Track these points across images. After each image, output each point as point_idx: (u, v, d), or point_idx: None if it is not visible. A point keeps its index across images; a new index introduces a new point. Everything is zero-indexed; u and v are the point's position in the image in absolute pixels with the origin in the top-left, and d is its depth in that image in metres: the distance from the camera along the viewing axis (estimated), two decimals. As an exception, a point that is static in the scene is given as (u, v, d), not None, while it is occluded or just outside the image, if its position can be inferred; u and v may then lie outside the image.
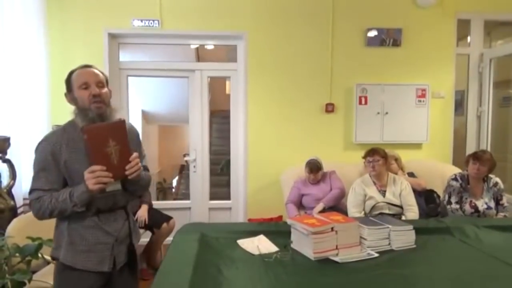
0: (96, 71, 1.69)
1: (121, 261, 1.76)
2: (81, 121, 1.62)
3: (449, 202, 3.21)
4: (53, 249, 1.72)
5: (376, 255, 1.97)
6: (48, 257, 2.30)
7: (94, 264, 1.66)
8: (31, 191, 1.64)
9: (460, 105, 4.67)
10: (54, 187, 1.62)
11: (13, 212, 2.72)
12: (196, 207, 4.45)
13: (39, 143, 1.65)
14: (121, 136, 1.59)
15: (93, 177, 1.53)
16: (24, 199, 3.20)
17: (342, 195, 3.55)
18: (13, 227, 2.34)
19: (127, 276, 1.81)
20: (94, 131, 1.52)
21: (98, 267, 1.67)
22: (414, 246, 2.12)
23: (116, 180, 1.62)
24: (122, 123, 1.61)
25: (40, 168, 1.62)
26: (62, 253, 1.66)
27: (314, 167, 3.57)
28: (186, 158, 4.62)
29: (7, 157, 2.76)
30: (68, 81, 1.68)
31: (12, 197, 2.78)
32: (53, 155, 1.60)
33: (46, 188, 1.61)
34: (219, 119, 7.12)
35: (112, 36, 4.08)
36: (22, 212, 3.04)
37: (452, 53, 4.33)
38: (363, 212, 3.22)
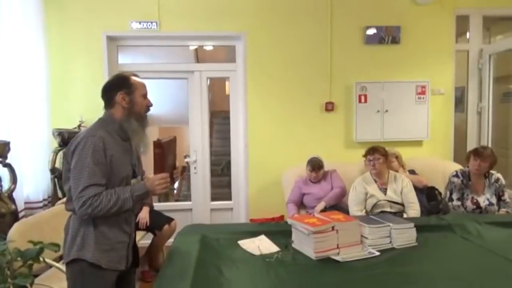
0: None
1: (130, 260, 1.85)
2: (136, 124, 1.78)
3: (451, 199, 3.20)
4: (75, 251, 1.70)
5: (378, 253, 1.97)
6: (49, 261, 2.30)
7: (114, 263, 1.73)
8: (86, 188, 1.61)
9: (460, 101, 4.66)
10: (105, 182, 1.67)
11: (14, 216, 2.72)
12: (198, 208, 4.45)
13: (85, 138, 1.66)
14: (173, 150, 1.80)
15: (165, 182, 1.73)
16: (25, 203, 3.21)
17: (343, 194, 3.55)
18: (14, 231, 2.34)
19: (132, 274, 1.92)
20: (165, 147, 1.69)
21: (118, 266, 1.74)
22: (416, 244, 2.12)
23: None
24: (175, 139, 1.82)
25: (93, 162, 1.63)
26: (89, 252, 1.68)
27: (316, 165, 3.57)
28: (186, 160, 4.61)
29: (7, 161, 2.76)
30: (129, 84, 1.78)
31: (13, 201, 2.79)
32: (104, 150, 1.66)
33: (103, 183, 1.65)
34: (219, 119, 7.10)
35: (111, 39, 4.08)
36: (23, 216, 3.04)
37: (451, 50, 4.32)
38: (364, 211, 3.21)
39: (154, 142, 1.58)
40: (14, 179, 2.80)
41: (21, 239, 2.21)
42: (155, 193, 1.76)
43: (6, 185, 2.81)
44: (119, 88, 1.77)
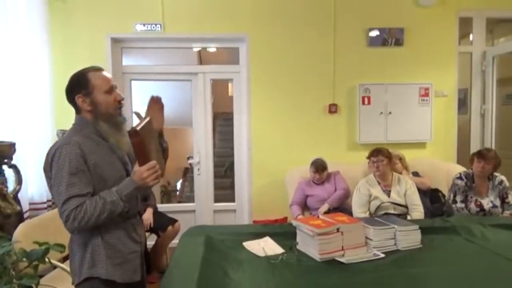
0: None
1: (145, 268, 1.75)
2: (106, 127, 1.58)
3: (454, 201, 3.20)
4: (86, 269, 1.56)
5: (382, 255, 1.97)
6: (55, 262, 2.32)
7: (129, 275, 1.61)
8: (66, 201, 1.45)
9: (463, 103, 4.66)
10: (89, 190, 1.50)
11: (20, 217, 2.73)
12: (201, 209, 4.45)
13: (60, 148, 1.49)
14: (153, 133, 1.65)
15: (154, 172, 1.50)
16: (30, 203, 3.22)
17: (347, 195, 3.55)
18: (20, 232, 2.35)
19: (144, 282, 1.78)
20: (142, 133, 1.48)
21: (133, 277, 1.63)
22: (420, 246, 2.11)
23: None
24: (151, 120, 1.62)
25: (71, 172, 1.46)
26: (102, 268, 1.55)
27: (319, 166, 3.57)
28: (190, 161, 4.63)
29: (12, 162, 2.78)
30: (86, 83, 1.56)
31: (18, 202, 2.80)
32: (83, 156, 1.49)
33: (84, 193, 1.48)
34: (222, 121, 7.12)
35: (115, 41, 4.10)
36: (28, 217, 3.06)
37: (454, 52, 4.32)
38: (368, 213, 3.21)
39: (129, 132, 1.36)
40: (19, 180, 2.82)
41: (26, 240, 2.22)
42: (147, 186, 1.52)
43: (11, 186, 2.82)
44: (77, 91, 1.56)
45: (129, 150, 1.64)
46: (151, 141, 1.58)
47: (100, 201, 1.47)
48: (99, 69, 1.62)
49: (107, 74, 1.63)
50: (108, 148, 1.60)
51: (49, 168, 1.51)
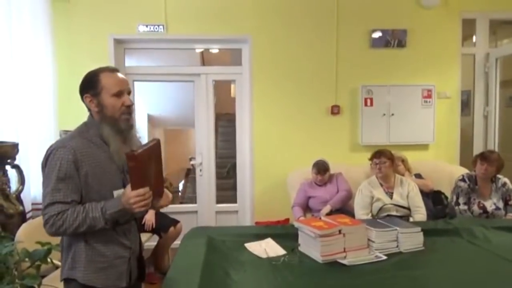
0: (125, 77, 1.59)
1: (135, 275, 1.68)
2: (109, 131, 1.52)
3: (457, 203, 3.19)
4: (66, 270, 1.54)
5: (385, 257, 1.97)
6: (57, 262, 2.32)
7: (113, 280, 1.56)
8: (48, 205, 1.43)
9: (466, 105, 4.65)
10: (75, 198, 1.46)
11: (22, 217, 2.74)
12: (203, 210, 4.45)
13: (55, 149, 1.46)
14: (158, 157, 1.55)
15: (142, 199, 1.41)
16: (33, 204, 3.23)
17: (349, 197, 3.54)
18: (22, 232, 2.36)
19: None
20: (141, 158, 1.40)
21: (117, 283, 1.57)
22: (423, 248, 2.11)
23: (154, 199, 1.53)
24: (158, 143, 1.54)
25: (59, 177, 1.43)
26: (80, 273, 1.51)
27: (321, 168, 3.57)
28: (192, 162, 4.63)
29: (15, 162, 2.79)
30: (95, 84, 1.51)
31: (20, 202, 2.81)
32: (75, 163, 1.44)
33: (68, 200, 1.44)
34: (225, 122, 7.13)
35: (118, 42, 4.11)
36: (31, 217, 3.07)
37: (457, 53, 4.31)
38: (370, 214, 3.20)
39: (127, 154, 1.29)
40: (22, 180, 2.83)
41: (28, 240, 2.23)
42: (132, 212, 1.44)
43: (14, 186, 2.83)
44: (86, 90, 1.53)
45: (119, 162, 1.58)
46: (151, 165, 1.49)
47: (82, 214, 1.43)
48: (114, 70, 1.57)
49: (121, 76, 1.57)
50: (107, 153, 1.54)
51: (43, 166, 1.50)
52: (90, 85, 1.53)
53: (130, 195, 1.41)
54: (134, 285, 1.67)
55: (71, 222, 1.43)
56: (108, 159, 1.53)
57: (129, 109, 1.55)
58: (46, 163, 1.47)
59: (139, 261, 1.71)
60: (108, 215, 1.44)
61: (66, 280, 1.56)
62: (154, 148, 1.51)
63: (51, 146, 1.50)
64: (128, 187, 1.43)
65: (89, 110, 1.57)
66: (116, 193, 1.52)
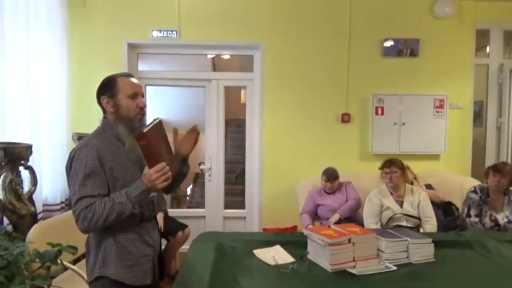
0: (139, 82, 1.72)
1: (157, 272, 1.75)
2: (123, 129, 1.63)
3: (468, 215, 3.15)
4: (98, 268, 1.61)
5: (394, 268, 1.94)
6: (67, 263, 2.34)
7: (139, 278, 1.63)
8: (78, 201, 1.52)
9: (478, 115, 4.60)
10: (102, 192, 1.54)
11: (34, 218, 2.76)
12: (211, 215, 4.46)
13: (78, 150, 1.57)
14: (164, 135, 1.65)
15: (162, 174, 1.50)
16: (44, 205, 3.27)
17: (358, 206, 3.52)
18: (33, 233, 2.38)
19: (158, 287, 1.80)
20: (150, 136, 1.50)
21: (143, 281, 1.64)
22: (433, 259, 2.08)
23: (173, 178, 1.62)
24: (161, 122, 1.63)
25: (86, 174, 1.53)
26: (112, 269, 1.59)
27: (331, 175, 3.55)
28: (201, 167, 4.64)
29: (29, 164, 2.82)
30: (113, 86, 1.63)
31: (32, 203, 2.84)
32: (99, 159, 1.55)
33: (95, 194, 1.53)
34: (233, 127, 7.14)
35: (131, 46, 4.16)
36: (42, 218, 3.10)
37: (470, 64, 4.28)
38: (379, 223, 3.18)
39: (136, 135, 1.39)
40: (34, 181, 2.86)
41: (39, 240, 2.25)
42: (156, 188, 1.53)
43: (26, 187, 2.87)
44: (103, 92, 1.65)
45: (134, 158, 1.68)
46: (160, 143, 1.59)
47: (109, 202, 1.51)
48: (128, 75, 1.70)
49: (135, 81, 1.69)
50: (125, 152, 1.65)
51: (68, 168, 1.59)
52: (107, 88, 1.65)
53: (150, 173, 1.50)
54: (156, 283, 1.75)
55: (101, 211, 1.50)
56: (126, 156, 1.64)
57: (142, 110, 1.67)
58: (71, 164, 1.58)
59: (159, 260, 1.78)
60: (134, 198, 1.52)
61: (97, 279, 1.61)
62: (159, 126, 1.61)
63: (74, 148, 1.62)
64: (146, 168, 1.52)
65: (104, 112, 1.69)
66: None
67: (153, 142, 1.51)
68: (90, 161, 1.54)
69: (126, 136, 1.64)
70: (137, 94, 1.65)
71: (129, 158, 1.65)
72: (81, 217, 1.51)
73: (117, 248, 1.60)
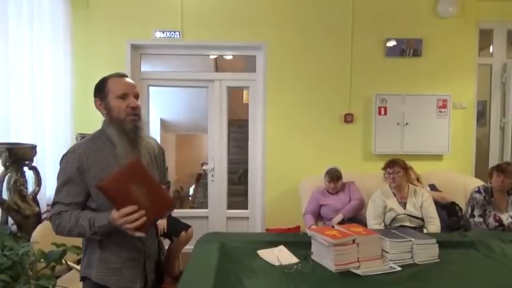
0: (133, 82, 1.66)
1: (152, 278, 1.71)
2: (114, 132, 1.58)
3: (472, 215, 3.14)
4: (83, 268, 1.62)
5: (399, 268, 1.94)
6: (72, 264, 2.35)
7: (127, 282, 1.60)
8: (52, 205, 1.58)
9: (481, 115, 4.58)
10: (75, 200, 1.54)
11: (38, 218, 2.78)
12: (214, 216, 4.46)
13: (65, 154, 1.58)
14: (142, 176, 1.49)
15: (131, 220, 1.42)
16: (48, 205, 3.28)
17: (361, 206, 3.52)
18: (38, 233, 2.39)
19: None
20: (110, 184, 1.42)
21: (131, 286, 1.61)
22: (438, 260, 2.07)
23: (153, 221, 1.57)
24: (136, 162, 1.50)
25: (63, 180, 1.54)
26: (94, 271, 1.57)
27: (334, 176, 3.55)
28: (204, 167, 4.65)
29: (33, 164, 2.83)
30: (103, 88, 1.59)
31: (37, 203, 2.85)
32: (79, 167, 1.53)
33: (67, 202, 1.53)
34: (236, 128, 7.14)
35: (134, 47, 4.17)
36: (45, 218, 3.11)
37: (473, 63, 4.27)
38: (382, 224, 3.17)
39: (95, 185, 1.47)
40: (38, 181, 2.87)
41: (44, 240, 2.26)
42: (125, 230, 1.45)
43: (30, 187, 2.88)
44: (95, 95, 1.62)
45: (153, 160, 1.69)
46: (131, 188, 1.44)
47: (74, 220, 1.51)
48: (121, 76, 1.63)
49: (128, 80, 1.63)
50: (116, 156, 1.58)
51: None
52: (99, 90, 1.62)
53: (114, 216, 1.44)
54: None
55: (65, 224, 1.52)
56: (117, 160, 1.57)
57: (134, 111, 1.58)
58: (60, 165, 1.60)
59: (157, 265, 1.74)
60: (97, 227, 1.49)
61: (82, 279, 1.65)
62: (129, 169, 1.47)
63: (68, 149, 1.62)
64: (114, 209, 1.46)
65: (102, 115, 1.66)
66: None
67: (116, 192, 1.42)
68: (69, 169, 1.54)
69: (117, 139, 1.58)
70: (128, 94, 1.58)
71: (118, 162, 1.57)
72: (51, 221, 1.56)
73: (101, 250, 1.58)
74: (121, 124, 1.58)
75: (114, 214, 1.44)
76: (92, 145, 1.59)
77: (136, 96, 1.62)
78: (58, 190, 1.56)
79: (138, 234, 1.46)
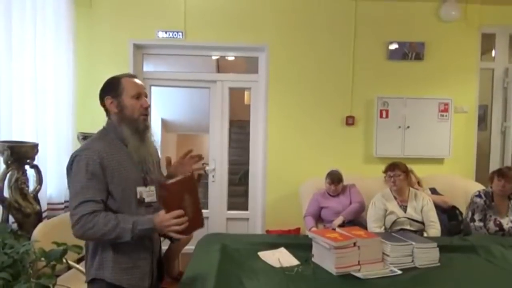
0: (142, 83, 1.72)
1: (156, 276, 1.74)
2: (127, 130, 1.62)
3: (473, 220, 3.14)
4: (94, 269, 1.61)
5: (400, 272, 1.94)
6: (72, 263, 2.34)
7: (136, 281, 1.62)
8: (80, 204, 1.50)
9: (482, 119, 4.59)
10: (103, 197, 1.54)
11: (39, 217, 2.78)
12: (214, 217, 4.46)
13: (81, 152, 1.57)
14: (193, 190, 1.62)
15: (176, 224, 1.50)
16: (49, 204, 3.28)
17: (362, 209, 3.52)
18: (39, 232, 2.39)
19: None
20: (174, 186, 1.53)
21: (140, 284, 1.64)
22: (438, 264, 2.07)
23: (191, 232, 1.63)
24: (191, 177, 1.63)
25: (88, 177, 1.52)
26: (108, 272, 1.58)
27: (335, 178, 3.55)
28: (205, 168, 4.64)
29: (34, 162, 2.83)
30: (117, 86, 1.63)
31: (38, 201, 2.85)
32: (101, 163, 1.54)
33: (98, 199, 1.52)
34: (236, 129, 7.14)
35: (137, 47, 4.18)
36: (46, 217, 3.11)
37: (475, 67, 4.27)
38: (383, 227, 3.17)
39: (160, 185, 1.62)
40: (39, 180, 2.87)
41: (45, 239, 2.26)
42: (164, 232, 1.55)
43: (31, 185, 2.88)
44: (107, 93, 1.64)
45: (147, 156, 1.69)
46: (184, 197, 1.57)
47: (114, 221, 1.50)
48: (132, 76, 1.70)
49: (139, 81, 1.69)
50: (127, 154, 1.63)
51: (68, 170, 1.59)
52: (111, 88, 1.64)
53: (166, 217, 1.50)
54: (154, 286, 1.74)
55: (101, 226, 1.49)
56: (128, 158, 1.62)
57: (146, 111, 1.66)
58: (71, 166, 1.56)
59: (158, 262, 1.77)
60: (138, 230, 1.51)
61: (94, 280, 1.61)
62: (187, 181, 1.59)
63: (75, 151, 1.60)
64: (162, 211, 1.52)
65: (108, 113, 1.68)
66: (139, 190, 1.63)
67: (174, 196, 1.53)
68: (91, 165, 1.53)
69: (129, 137, 1.63)
70: (141, 95, 1.65)
71: (131, 160, 1.63)
72: (80, 223, 1.49)
73: (114, 251, 1.58)
74: (135, 123, 1.63)
75: (164, 215, 1.51)
76: (105, 143, 1.61)
77: (146, 96, 1.69)
78: (84, 188, 1.51)
79: (179, 237, 1.55)
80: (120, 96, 1.62)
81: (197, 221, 1.63)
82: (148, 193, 1.66)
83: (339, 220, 3.40)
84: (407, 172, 3.26)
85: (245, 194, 4.62)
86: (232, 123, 6.45)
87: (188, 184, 1.59)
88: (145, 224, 1.52)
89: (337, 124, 4.22)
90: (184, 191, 1.57)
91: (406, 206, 3.17)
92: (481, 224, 3.10)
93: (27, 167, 2.75)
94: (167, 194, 1.51)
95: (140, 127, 1.64)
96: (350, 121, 4.20)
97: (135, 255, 1.62)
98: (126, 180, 1.60)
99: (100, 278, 1.59)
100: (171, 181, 1.55)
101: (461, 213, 3.49)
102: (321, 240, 1.98)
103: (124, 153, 1.63)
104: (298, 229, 3.99)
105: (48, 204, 3.28)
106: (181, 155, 1.81)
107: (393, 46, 4.19)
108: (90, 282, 1.63)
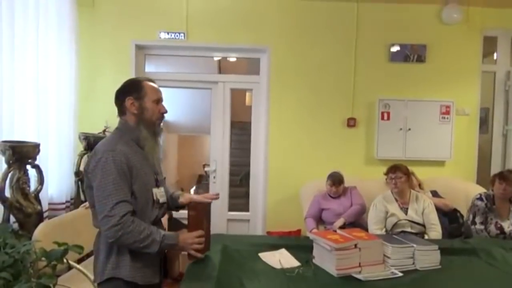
0: None
1: (162, 272, 1.81)
2: (146, 132, 1.69)
3: (474, 222, 3.13)
4: (109, 270, 1.63)
5: (400, 274, 1.93)
6: (73, 263, 2.35)
7: (149, 277, 1.69)
8: (116, 204, 1.53)
9: (484, 122, 4.58)
10: (130, 198, 1.59)
11: (40, 216, 2.78)
12: (215, 217, 4.40)
13: (105, 153, 1.58)
14: (209, 216, 1.88)
15: (198, 242, 1.72)
16: (49, 203, 3.28)
17: (363, 211, 3.51)
18: (40, 232, 2.39)
19: (161, 284, 1.87)
20: (200, 209, 1.78)
21: (152, 280, 1.70)
22: (439, 266, 2.07)
23: (203, 253, 1.84)
24: (209, 205, 1.89)
25: (120, 178, 1.55)
26: (125, 271, 1.62)
27: (336, 179, 3.55)
28: (206, 169, 4.65)
29: (36, 162, 2.83)
30: (140, 89, 1.69)
31: (39, 201, 2.85)
32: (127, 164, 1.59)
33: (129, 200, 1.58)
34: (237, 130, 7.14)
35: (139, 47, 4.19)
36: (47, 217, 3.11)
37: (477, 70, 4.27)
38: (384, 229, 3.17)
39: (190, 204, 1.86)
40: (41, 180, 2.87)
41: (46, 239, 2.26)
42: (184, 250, 1.71)
43: (32, 185, 2.88)
44: (128, 94, 1.68)
45: (156, 161, 1.79)
46: (204, 219, 1.81)
47: (148, 231, 1.58)
48: (153, 81, 1.77)
49: (157, 87, 1.77)
50: (143, 156, 1.70)
51: (91, 172, 1.60)
52: (134, 89, 1.70)
53: (190, 236, 1.71)
54: (161, 281, 1.83)
55: (136, 234, 1.56)
56: (144, 160, 1.70)
57: (163, 116, 1.76)
58: (96, 168, 1.58)
59: (164, 258, 1.85)
60: (164, 244, 1.62)
61: (109, 280, 1.63)
62: (207, 206, 1.86)
63: (96, 151, 1.62)
64: (185, 230, 1.71)
65: (122, 113, 1.72)
66: (154, 191, 1.72)
67: (199, 215, 1.77)
68: (119, 166, 1.57)
69: (148, 139, 1.70)
70: (160, 100, 1.74)
71: (146, 161, 1.71)
72: (119, 225, 1.52)
73: (130, 251, 1.62)
74: (152, 126, 1.72)
75: (188, 233, 1.72)
76: (124, 144, 1.65)
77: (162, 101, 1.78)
78: (118, 189, 1.55)
79: (197, 255, 1.77)
80: (142, 99, 1.68)
81: (208, 243, 1.85)
82: (160, 194, 1.75)
83: (340, 221, 3.40)
84: (408, 174, 3.26)
85: (246, 195, 4.62)
86: (233, 124, 6.45)
87: (208, 210, 1.84)
88: (170, 239, 1.64)
89: (338, 126, 4.22)
90: (205, 215, 1.80)
91: (407, 208, 3.17)
92: (482, 227, 3.09)
93: (28, 167, 2.76)
94: (196, 213, 1.71)
95: (157, 130, 1.74)
96: (351, 123, 4.20)
97: (148, 255, 1.65)
98: (146, 181, 1.67)
99: (117, 277, 1.62)
100: (198, 202, 1.82)
101: (462, 216, 3.49)
102: (322, 242, 1.98)
103: (140, 154, 1.68)
104: (299, 231, 3.99)
105: (49, 204, 3.28)
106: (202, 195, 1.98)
107: (395, 48, 4.19)
108: (105, 281, 1.64)
